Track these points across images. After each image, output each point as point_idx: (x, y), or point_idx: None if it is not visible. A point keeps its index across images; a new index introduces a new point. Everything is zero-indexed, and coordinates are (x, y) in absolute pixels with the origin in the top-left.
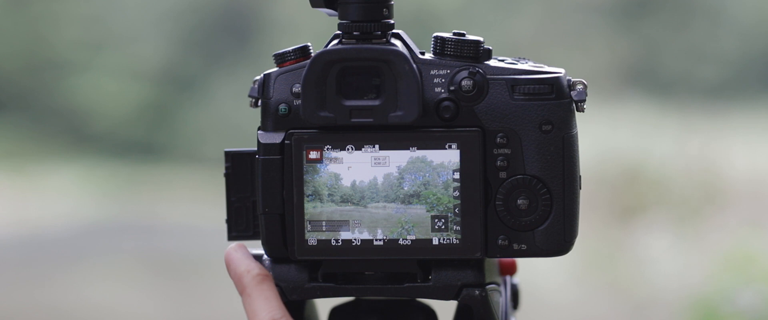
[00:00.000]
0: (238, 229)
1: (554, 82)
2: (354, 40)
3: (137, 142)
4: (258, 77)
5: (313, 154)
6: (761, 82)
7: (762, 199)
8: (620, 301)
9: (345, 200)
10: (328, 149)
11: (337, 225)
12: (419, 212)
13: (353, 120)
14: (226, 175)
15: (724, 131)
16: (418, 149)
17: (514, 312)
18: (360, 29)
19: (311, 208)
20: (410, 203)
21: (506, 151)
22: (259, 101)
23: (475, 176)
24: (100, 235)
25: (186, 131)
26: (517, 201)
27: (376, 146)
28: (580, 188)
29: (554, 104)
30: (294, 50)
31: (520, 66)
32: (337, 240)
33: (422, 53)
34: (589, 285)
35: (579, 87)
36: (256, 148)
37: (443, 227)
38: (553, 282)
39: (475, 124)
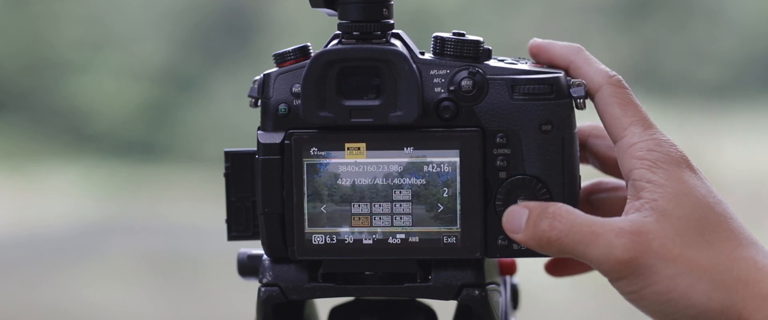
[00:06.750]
0: (237, 229)
1: (554, 82)
2: (354, 40)
3: (137, 142)
4: (258, 77)
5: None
6: (761, 82)
7: (762, 199)
8: (620, 301)
9: (345, 200)
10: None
11: (337, 225)
12: (419, 212)
13: (353, 120)
14: (226, 175)
15: (725, 131)
16: (417, 149)
17: (514, 312)
18: (360, 29)
19: (311, 208)
20: (410, 203)
21: (506, 151)
22: (259, 101)
23: (474, 176)
24: (100, 235)
25: (186, 131)
26: (516, 202)
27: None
28: (580, 188)
29: (554, 104)
30: (294, 50)
31: (519, 66)
32: (337, 240)
33: (422, 53)
34: (588, 285)
35: (579, 87)
36: (255, 148)
37: (443, 227)
38: (552, 282)
39: (474, 124)
